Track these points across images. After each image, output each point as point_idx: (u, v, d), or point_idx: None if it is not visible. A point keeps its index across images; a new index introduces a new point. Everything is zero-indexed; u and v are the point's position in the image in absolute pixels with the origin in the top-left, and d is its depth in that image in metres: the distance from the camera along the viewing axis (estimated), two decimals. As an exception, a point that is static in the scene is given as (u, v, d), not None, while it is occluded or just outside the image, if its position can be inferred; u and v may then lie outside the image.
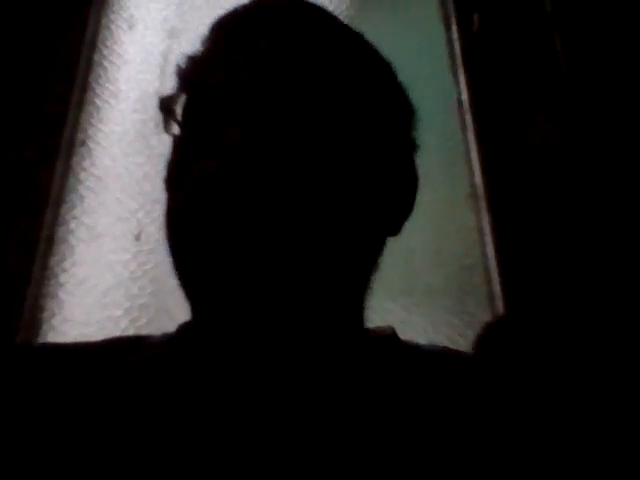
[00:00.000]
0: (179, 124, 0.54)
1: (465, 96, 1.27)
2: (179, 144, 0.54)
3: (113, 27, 1.34)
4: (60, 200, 1.16)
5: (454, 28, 1.35)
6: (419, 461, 0.47)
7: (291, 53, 0.51)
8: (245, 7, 0.56)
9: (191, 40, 1.37)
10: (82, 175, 1.19)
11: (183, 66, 0.57)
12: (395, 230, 0.57)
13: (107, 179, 1.20)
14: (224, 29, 0.56)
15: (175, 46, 1.32)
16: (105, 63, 1.30)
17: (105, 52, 1.31)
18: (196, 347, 0.53)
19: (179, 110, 0.54)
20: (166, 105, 0.56)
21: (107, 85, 1.28)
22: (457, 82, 1.30)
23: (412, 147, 0.58)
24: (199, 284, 0.50)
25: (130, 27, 1.35)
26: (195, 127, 0.52)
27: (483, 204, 1.18)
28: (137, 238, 1.15)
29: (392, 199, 0.56)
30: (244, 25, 0.54)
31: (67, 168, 1.19)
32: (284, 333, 0.48)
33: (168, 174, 0.54)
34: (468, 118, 1.26)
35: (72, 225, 1.15)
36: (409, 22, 1.27)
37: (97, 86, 1.27)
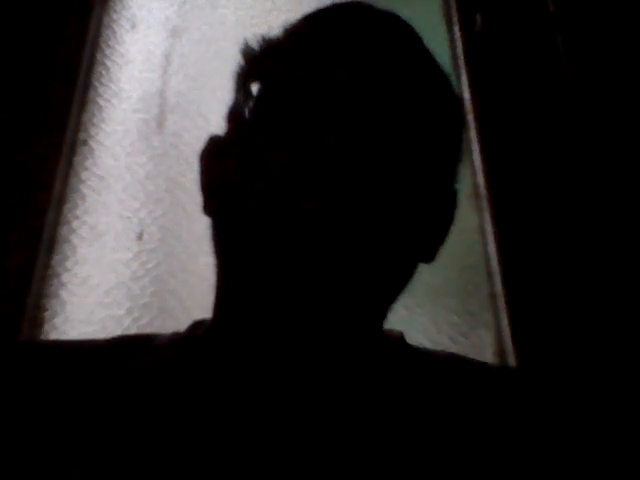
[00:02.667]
0: (252, 112, 0.53)
1: (467, 96, 1.27)
2: (252, 132, 0.52)
3: (115, 26, 1.34)
4: (62, 199, 1.16)
5: (456, 28, 1.35)
6: (426, 465, 0.47)
7: (388, 64, 0.51)
8: (338, 8, 0.56)
9: (193, 39, 1.37)
10: (84, 174, 1.19)
11: (263, 52, 0.56)
12: (431, 257, 0.57)
13: (109, 178, 1.20)
14: (320, 26, 0.55)
15: (177, 46, 1.32)
16: (107, 62, 1.30)
17: (107, 51, 1.31)
18: (209, 349, 0.53)
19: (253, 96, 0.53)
20: (245, 88, 0.55)
21: (109, 84, 1.28)
22: (459, 82, 1.30)
23: (457, 178, 0.58)
24: (246, 278, 0.50)
25: (132, 27, 1.35)
26: (276, 120, 0.50)
27: (485, 204, 1.18)
28: (139, 237, 1.15)
29: (434, 227, 0.56)
30: (341, 25, 0.53)
31: (69, 167, 1.19)
32: (306, 340, 0.48)
33: (234, 158, 0.53)
34: (470, 118, 1.25)
35: (74, 224, 1.15)
36: (411, 21, 1.27)
37: (99, 85, 1.27)
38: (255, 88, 0.54)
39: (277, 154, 0.48)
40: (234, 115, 0.55)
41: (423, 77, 0.53)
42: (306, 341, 0.48)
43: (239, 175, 0.51)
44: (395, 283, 0.52)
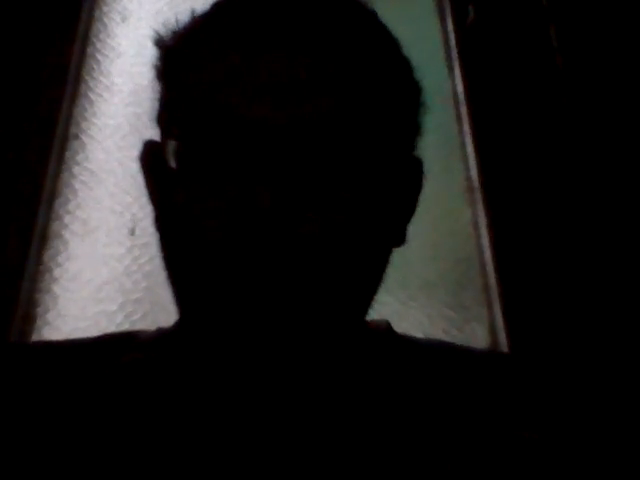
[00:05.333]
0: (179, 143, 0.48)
1: (460, 89, 1.27)
2: (184, 164, 0.48)
3: (106, 20, 1.33)
4: (54, 194, 1.15)
5: (449, 20, 1.35)
6: (416, 455, 0.47)
7: (321, 39, 0.47)
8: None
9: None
10: (76, 169, 1.19)
11: (177, 51, 0.51)
12: (402, 239, 0.55)
13: (101, 173, 1.19)
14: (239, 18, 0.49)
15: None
16: (98, 56, 1.29)
17: (98, 45, 1.30)
18: (192, 345, 0.53)
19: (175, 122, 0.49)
20: (164, 90, 0.52)
21: (100, 78, 1.27)
22: (452, 74, 1.30)
23: (417, 145, 0.56)
24: (198, 299, 0.48)
25: (123, 20, 1.34)
26: (200, 162, 0.47)
27: (479, 197, 1.18)
28: (131, 232, 1.14)
29: (398, 212, 0.54)
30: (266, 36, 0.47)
31: (60, 162, 1.18)
32: (284, 333, 0.47)
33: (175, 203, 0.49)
34: (463, 111, 1.25)
35: (66, 219, 1.15)
36: (404, 14, 1.27)
37: (90, 79, 1.27)
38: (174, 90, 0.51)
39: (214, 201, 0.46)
40: (161, 121, 0.52)
41: (365, 48, 0.49)
42: (287, 337, 0.47)
43: (179, 202, 0.48)
44: (368, 274, 0.50)
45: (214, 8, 0.52)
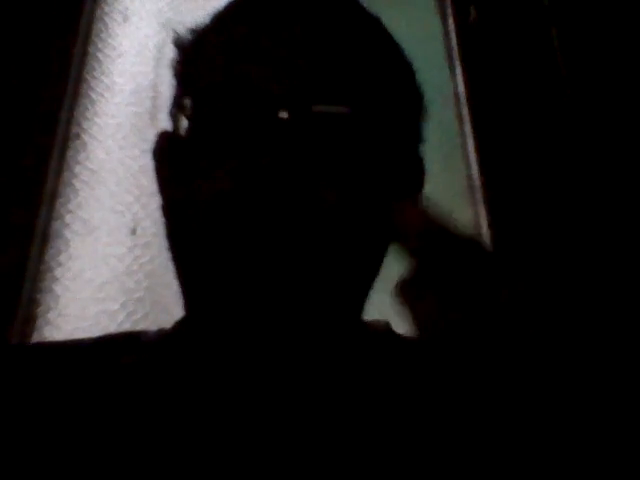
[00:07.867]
0: (190, 126, 0.51)
1: (461, 88, 1.27)
2: (192, 144, 0.51)
3: (107, 19, 1.33)
4: (55, 194, 1.15)
5: (450, 20, 1.35)
6: (415, 456, 0.47)
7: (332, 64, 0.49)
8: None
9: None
10: (77, 169, 1.19)
11: (194, 49, 0.55)
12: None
13: (102, 172, 1.19)
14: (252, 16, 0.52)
15: (170, 38, 1.31)
16: (99, 56, 1.29)
17: (99, 45, 1.30)
18: (193, 346, 0.53)
19: (188, 109, 0.52)
20: (181, 87, 0.54)
21: (101, 78, 1.27)
22: (454, 74, 1.30)
23: (419, 142, 0.57)
24: (207, 281, 0.49)
25: (124, 19, 1.34)
26: (212, 136, 0.49)
27: (480, 197, 1.18)
28: (133, 232, 1.14)
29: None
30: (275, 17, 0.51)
31: (61, 162, 1.18)
32: (285, 333, 0.48)
33: (179, 179, 0.51)
34: (465, 111, 1.25)
35: (67, 219, 1.15)
36: (405, 14, 1.27)
37: (91, 79, 1.27)
38: (190, 85, 0.53)
39: (220, 176, 0.48)
40: (175, 114, 0.55)
41: (368, 51, 0.51)
42: (284, 335, 0.48)
43: (189, 185, 0.50)
44: (365, 269, 0.52)
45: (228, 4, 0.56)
